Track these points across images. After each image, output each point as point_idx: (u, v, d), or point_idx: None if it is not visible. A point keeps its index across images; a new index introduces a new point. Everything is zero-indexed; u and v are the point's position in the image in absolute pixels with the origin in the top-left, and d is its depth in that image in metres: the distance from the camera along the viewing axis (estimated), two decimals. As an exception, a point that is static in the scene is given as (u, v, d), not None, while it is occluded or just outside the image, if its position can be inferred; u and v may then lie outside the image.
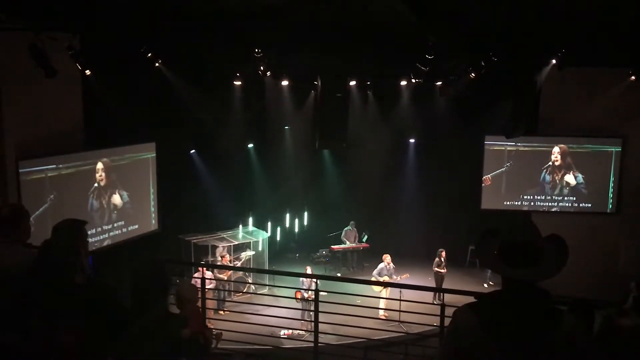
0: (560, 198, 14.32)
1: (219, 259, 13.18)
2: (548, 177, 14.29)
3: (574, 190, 14.24)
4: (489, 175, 13.82)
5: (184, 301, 4.94)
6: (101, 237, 11.42)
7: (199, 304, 7.15)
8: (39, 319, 3.29)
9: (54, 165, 10.24)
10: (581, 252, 12.25)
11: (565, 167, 14.20)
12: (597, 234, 13.71)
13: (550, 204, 14.39)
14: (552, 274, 2.47)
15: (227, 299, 12.74)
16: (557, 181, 14.25)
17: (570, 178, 14.21)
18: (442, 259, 13.49)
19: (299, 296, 11.68)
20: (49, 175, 10.11)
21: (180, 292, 5.00)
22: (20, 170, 9.37)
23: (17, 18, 8.37)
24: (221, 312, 11.53)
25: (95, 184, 11.29)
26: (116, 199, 11.83)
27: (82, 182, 10.98)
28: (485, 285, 14.24)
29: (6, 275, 3.62)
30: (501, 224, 2.64)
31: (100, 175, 11.35)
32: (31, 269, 3.59)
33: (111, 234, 11.75)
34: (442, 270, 13.47)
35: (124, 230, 12.12)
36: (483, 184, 14.15)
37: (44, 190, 9.97)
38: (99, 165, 11.30)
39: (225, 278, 12.75)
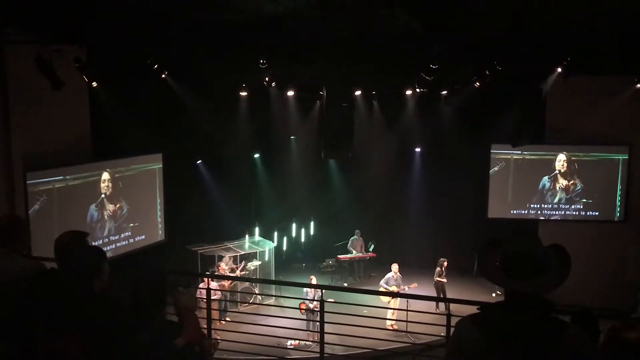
0: (567, 206, 14.25)
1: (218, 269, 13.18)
2: (548, 185, 14.25)
3: (573, 199, 14.18)
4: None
5: (182, 310, 4.95)
6: (108, 247, 11.43)
7: (203, 313, 7.15)
8: (44, 328, 3.29)
9: (61, 177, 10.29)
10: (589, 261, 12.20)
11: (569, 175, 14.15)
12: (605, 243, 13.63)
13: (557, 212, 14.33)
14: (554, 286, 2.44)
15: (228, 309, 12.70)
16: (558, 189, 14.21)
17: (571, 187, 14.17)
18: (443, 269, 13.48)
19: (303, 307, 11.64)
20: (56, 186, 10.16)
21: (178, 301, 5.01)
22: (27, 182, 9.43)
23: (25, 31, 8.45)
24: (222, 322, 11.48)
25: (102, 195, 11.34)
26: (122, 209, 11.87)
27: (89, 193, 11.02)
28: (493, 294, 14.14)
29: (3, 285, 3.63)
30: (508, 232, 2.62)
31: (107, 186, 11.40)
32: (40, 278, 3.59)
33: (118, 244, 11.78)
34: (443, 280, 13.46)
35: (131, 240, 12.15)
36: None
37: (51, 200, 10.02)
38: (105, 176, 11.35)
39: (226, 285, 12.71)
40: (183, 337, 3.85)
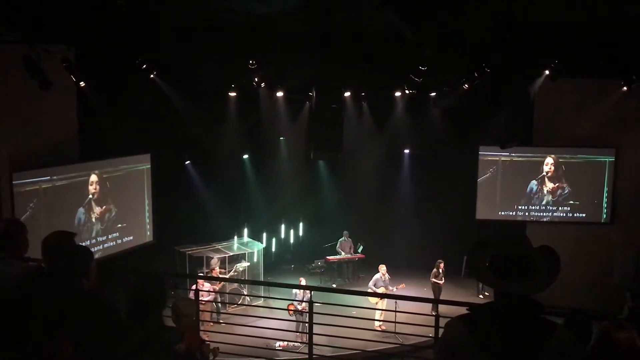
0: (554, 208, 14.36)
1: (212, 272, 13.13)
2: (536, 188, 14.36)
3: (560, 201, 14.28)
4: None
5: (180, 316, 4.90)
6: (95, 249, 11.35)
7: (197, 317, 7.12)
8: (36, 329, 3.26)
9: (48, 177, 10.20)
10: (576, 263, 12.28)
11: (556, 178, 14.26)
12: (592, 244, 13.74)
13: (544, 214, 14.43)
14: (543, 287, 2.46)
15: (221, 311, 12.68)
16: (545, 191, 14.31)
17: (559, 189, 14.28)
18: (441, 270, 13.48)
19: (292, 308, 11.63)
20: (43, 187, 10.07)
21: (176, 307, 4.96)
22: (13, 182, 9.33)
23: (12, 30, 8.37)
24: (211, 324, 11.45)
25: (90, 196, 11.26)
26: (110, 210, 11.80)
27: (76, 194, 10.94)
28: (481, 296, 14.23)
29: (3, 290, 3.59)
30: (496, 234, 2.63)
31: (94, 187, 11.32)
32: (30, 279, 3.56)
33: (105, 245, 11.70)
34: (440, 281, 13.45)
35: (119, 241, 12.07)
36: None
37: (38, 201, 9.93)
38: (93, 177, 11.27)
39: (217, 289, 12.68)
40: (184, 343, 3.82)
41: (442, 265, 13.49)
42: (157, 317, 3.51)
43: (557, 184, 14.28)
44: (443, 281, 13.50)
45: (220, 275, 13.09)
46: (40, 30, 8.34)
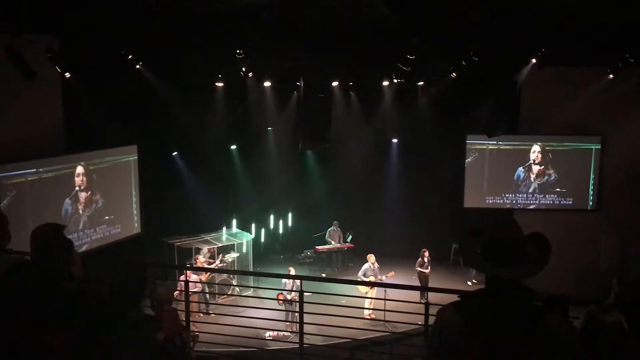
0: (541, 196, 14.46)
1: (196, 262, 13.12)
2: (523, 176, 14.46)
3: (547, 189, 14.40)
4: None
5: (160, 303, 4.93)
6: (83, 241, 11.29)
7: (181, 306, 7.11)
8: (23, 324, 3.24)
9: (34, 169, 10.10)
10: (562, 249, 12.36)
11: (543, 165, 14.36)
12: (578, 231, 13.86)
13: (531, 201, 14.53)
14: (534, 272, 2.49)
15: (210, 302, 12.68)
16: (532, 179, 14.42)
17: (546, 177, 14.40)
18: (425, 259, 13.52)
19: (281, 298, 11.66)
20: (29, 179, 9.98)
21: (155, 294, 4.98)
22: (-1, 175, 9.25)
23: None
24: (201, 315, 11.46)
25: (76, 188, 11.17)
26: (97, 202, 11.73)
27: (63, 186, 10.85)
28: (469, 283, 14.33)
29: None
30: (484, 222, 2.65)
31: (81, 179, 11.23)
32: (16, 272, 3.53)
33: (93, 237, 11.63)
34: (426, 270, 13.48)
35: (107, 233, 12.00)
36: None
37: (24, 194, 9.84)
38: (79, 169, 11.18)
39: (204, 279, 12.67)
40: (163, 331, 3.82)
41: (426, 253, 13.52)
42: (136, 307, 3.51)
43: (545, 171, 14.38)
44: (429, 270, 13.53)
45: (206, 266, 13.08)
46: (24, 20, 8.23)
